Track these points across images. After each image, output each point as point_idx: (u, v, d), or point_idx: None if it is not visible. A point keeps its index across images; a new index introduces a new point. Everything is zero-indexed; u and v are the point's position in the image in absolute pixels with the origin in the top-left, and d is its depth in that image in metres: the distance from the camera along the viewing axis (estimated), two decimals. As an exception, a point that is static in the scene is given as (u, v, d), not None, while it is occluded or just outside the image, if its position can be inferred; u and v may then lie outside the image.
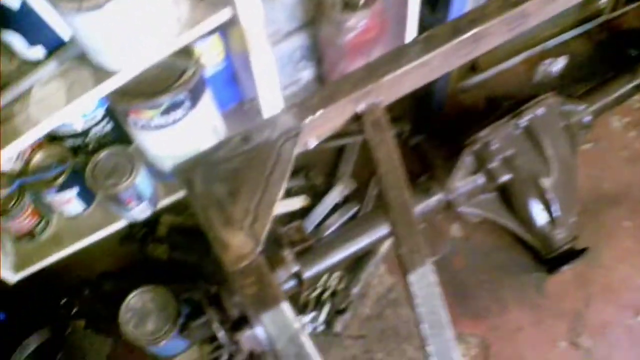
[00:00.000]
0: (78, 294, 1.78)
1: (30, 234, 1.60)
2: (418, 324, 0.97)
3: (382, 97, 1.08)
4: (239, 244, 0.95)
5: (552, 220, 1.60)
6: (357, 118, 1.09)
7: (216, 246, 0.96)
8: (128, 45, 1.17)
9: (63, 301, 1.76)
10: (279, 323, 0.92)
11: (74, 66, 1.26)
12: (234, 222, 0.97)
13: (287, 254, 1.26)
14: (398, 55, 1.07)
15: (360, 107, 1.07)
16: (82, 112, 1.46)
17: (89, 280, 1.81)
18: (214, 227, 0.97)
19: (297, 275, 1.31)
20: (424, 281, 0.96)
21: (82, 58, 1.24)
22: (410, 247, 0.97)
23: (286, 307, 0.92)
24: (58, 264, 1.66)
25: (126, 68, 1.22)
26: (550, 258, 1.65)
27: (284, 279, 1.26)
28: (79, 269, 1.82)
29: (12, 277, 1.58)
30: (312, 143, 1.10)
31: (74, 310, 1.75)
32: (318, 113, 1.04)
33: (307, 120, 1.04)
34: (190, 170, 1.04)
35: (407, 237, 0.98)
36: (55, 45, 1.26)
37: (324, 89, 1.07)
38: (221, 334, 1.30)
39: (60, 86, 1.26)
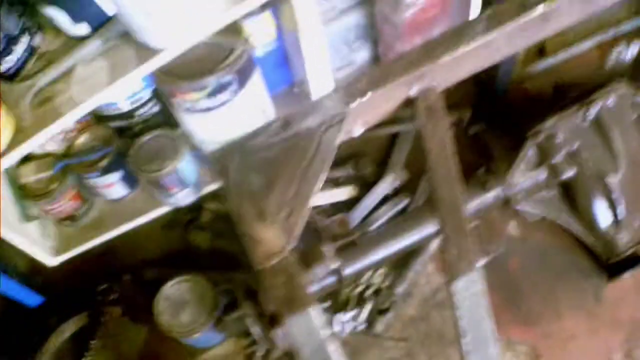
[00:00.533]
0: (118, 280, 1.76)
1: (72, 217, 1.58)
2: (459, 338, 0.88)
3: (438, 80, 0.99)
4: (270, 240, 0.89)
5: (617, 222, 1.48)
6: (409, 103, 1.01)
7: (246, 240, 0.91)
8: (172, 22, 1.13)
9: (102, 287, 1.74)
10: (305, 329, 0.85)
11: (118, 44, 1.23)
12: (267, 215, 0.91)
13: (327, 249, 1.18)
14: (458, 34, 0.98)
15: (414, 91, 0.98)
16: (126, 93, 1.43)
17: (129, 267, 1.79)
18: (245, 219, 0.91)
19: (337, 272, 1.24)
20: (470, 290, 0.87)
21: (127, 36, 1.21)
22: (457, 251, 0.88)
23: (314, 314, 0.86)
24: (99, 248, 1.64)
25: (170, 46, 1.17)
26: (611, 263, 1.53)
27: (321, 275, 1.19)
28: (121, 254, 1.80)
29: (52, 261, 1.57)
30: (358, 130, 1.02)
31: (112, 297, 1.72)
32: (366, 97, 0.96)
33: (354, 105, 0.96)
34: (226, 158, 0.98)
35: (455, 240, 0.89)
36: (100, 22, 1.23)
37: (373, 70, 0.99)
38: (255, 330, 1.25)
39: (103, 65, 1.23)
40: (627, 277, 1.49)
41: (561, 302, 1.60)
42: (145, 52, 1.18)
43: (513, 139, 1.58)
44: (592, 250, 1.58)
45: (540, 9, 0.97)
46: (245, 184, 0.94)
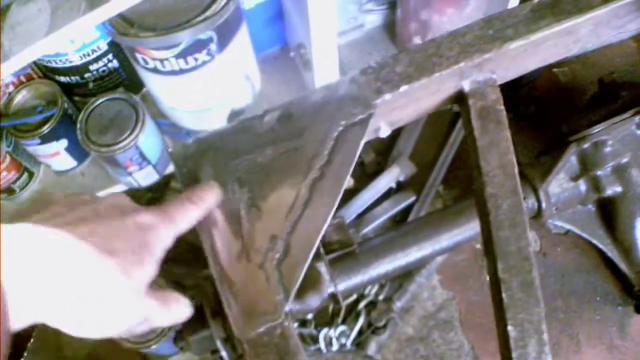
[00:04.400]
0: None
1: (9, 190, 1.30)
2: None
3: (500, 72, 0.71)
4: (257, 293, 0.61)
5: (659, 251, 1.25)
6: (457, 99, 0.73)
7: (221, 291, 0.63)
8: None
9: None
10: None
11: (64, -20, 0.94)
12: (252, 253, 0.62)
13: (324, 270, 0.91)
14: (532, 14, 0.70)
15: (467, 84, 0.70)
16: (76, 43, 1.14)
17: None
18: (218, 258, 0.63)
19: (334, 295, 0.99)
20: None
21: (76, -31, 0.91)
22: (520, 322, 0.62)
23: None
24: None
25: (132, -11, 0.89)
26: (643, 295, 1.31)
27: (316, 305, 0.93)
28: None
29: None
30: (385, 131, 0.74)
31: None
32: (402, 89, 0.68)
33: (385, 98, 0.67)
34: (197, 159, 0.68)
35: (520, 308, 0.63)
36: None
37: (414, 51, 0.70)
38: (225, 355, 0.99)
39: (43, 7, 0.94)
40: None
41: (581, 332, 1.38)
42: (98, -6, 0.90)
43: (545, 137, 1.33)
44: (621, 274, 1.36)
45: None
46: (223, 202, 0.65)
